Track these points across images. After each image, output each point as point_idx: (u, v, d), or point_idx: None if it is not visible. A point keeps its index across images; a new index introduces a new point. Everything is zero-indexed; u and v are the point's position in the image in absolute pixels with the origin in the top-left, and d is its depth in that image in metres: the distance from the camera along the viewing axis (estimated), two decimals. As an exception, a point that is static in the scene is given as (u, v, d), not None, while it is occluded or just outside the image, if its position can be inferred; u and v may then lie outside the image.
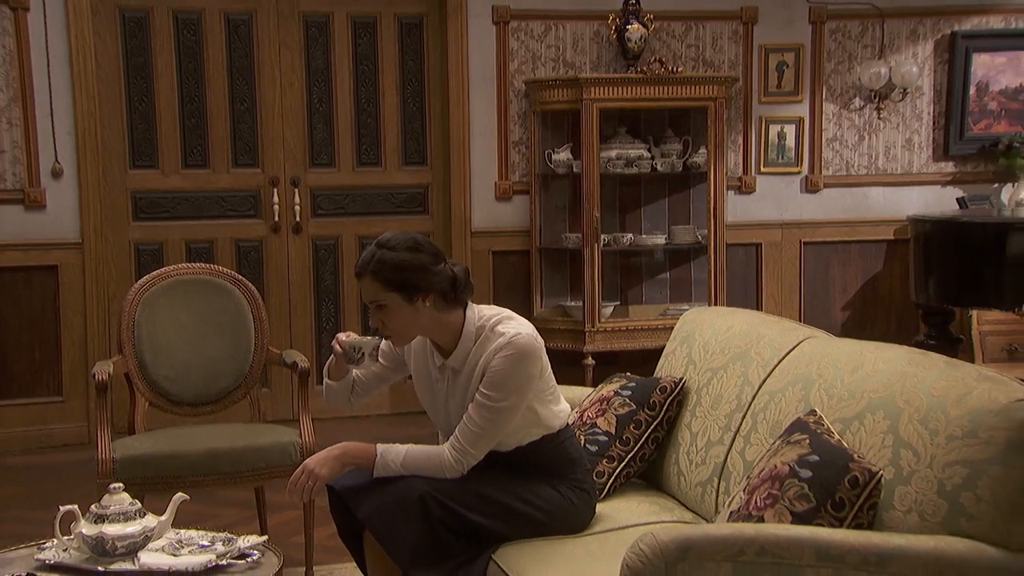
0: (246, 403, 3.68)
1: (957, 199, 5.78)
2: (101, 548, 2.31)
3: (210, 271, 3.70)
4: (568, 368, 5.31)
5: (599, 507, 2.65)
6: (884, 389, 2.14)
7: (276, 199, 5.37)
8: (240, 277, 3.70)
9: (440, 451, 2.46)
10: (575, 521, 2.57)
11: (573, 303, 5.47)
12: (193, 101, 5.27)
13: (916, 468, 1.98)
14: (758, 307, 5.71)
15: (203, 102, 5.28)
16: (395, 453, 2.45)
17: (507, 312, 2.58)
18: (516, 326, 2.51)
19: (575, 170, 5.34)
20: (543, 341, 2.57)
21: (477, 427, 2.44)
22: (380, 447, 2.46)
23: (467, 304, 2.54)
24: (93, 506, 2.39)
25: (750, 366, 2.63)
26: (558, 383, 2.70)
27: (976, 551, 1.86)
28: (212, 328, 3.58)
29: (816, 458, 2.04)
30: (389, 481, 2.42)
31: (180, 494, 2.47)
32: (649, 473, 2.85)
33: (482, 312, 2.55)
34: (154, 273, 3.64)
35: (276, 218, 5.38)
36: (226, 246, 5.36)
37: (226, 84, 5.29)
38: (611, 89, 5.23)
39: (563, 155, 5.37)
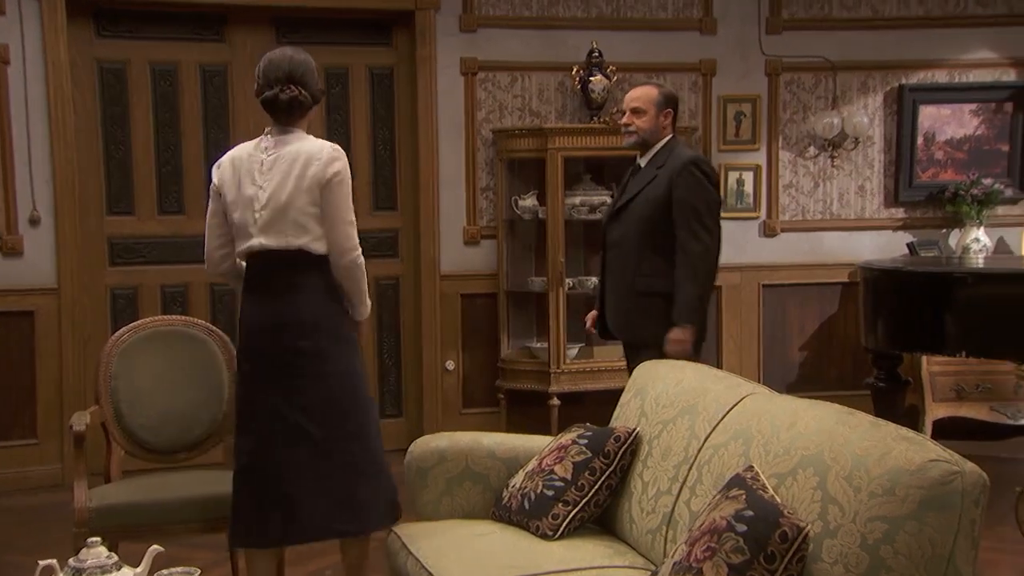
0: (221, 448, 3.80)
1: (907, 244, 6.00)
2: (80, 600, 2.42)
3: (184, 322, 3.82)
4: (534, 408, 5.48)
5: (556, 546, 2.79)
6: (815, 447, 2.30)
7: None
8: (214, 328, 3.82)
9: (340, 268, 3.12)
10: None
11: (539, 345, 5.62)
12: (169, 149, 5.41)
13: (842, 523, 2.14)
14: (718, 348, 5.90)
15: (179, 150, 5.43)
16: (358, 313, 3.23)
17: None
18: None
19: (540, 216, 5.52)
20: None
21: (341, 215, 3.10)
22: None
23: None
24: (71, 560, 2.49)
25: (697, 420, 2.79)
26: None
27: (893, 601, 2.02)
28: (187, 378, 3.69)
29: (751, 513, 2.20)
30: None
31: (155, 546, 2.58)
32: (604, 519, 2.99)
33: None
34: (131, 325, 3.75)
35: (249, 262, 5.51)
36: (200, 290, 5.49)
37: (201, 133, 5.45)
38: (575, 139, 5.42)
39: (529, 201, 5.55)
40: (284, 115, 3.11)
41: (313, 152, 3.07)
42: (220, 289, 5.51)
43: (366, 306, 3.24)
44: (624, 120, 3.94)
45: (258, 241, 3.07)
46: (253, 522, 3.10)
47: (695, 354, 3.76)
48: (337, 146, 3.12)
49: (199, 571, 2.49)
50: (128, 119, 5.34)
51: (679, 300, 3.71)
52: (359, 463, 3.13)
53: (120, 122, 5.33)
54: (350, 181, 3.12)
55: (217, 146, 5.45)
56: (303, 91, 3.09)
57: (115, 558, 2.49)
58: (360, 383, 3.19)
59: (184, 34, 5.38)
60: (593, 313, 4.16)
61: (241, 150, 3.16)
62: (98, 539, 2.52)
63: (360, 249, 3.13)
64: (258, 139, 3.16)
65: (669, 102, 3.90)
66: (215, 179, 3.14)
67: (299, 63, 3.12)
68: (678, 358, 3.59)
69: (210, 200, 3.17)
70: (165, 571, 2.47)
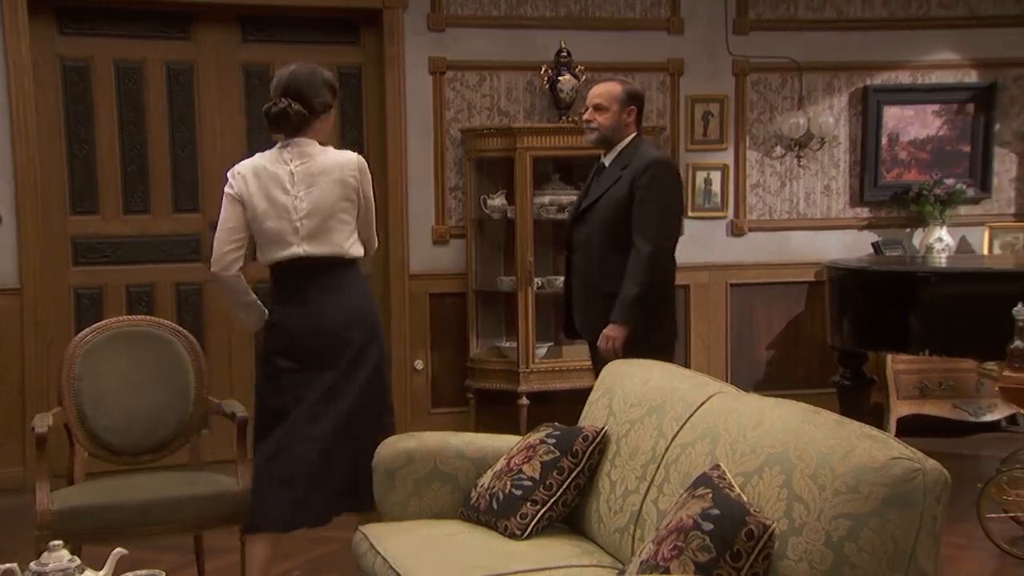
0: (186, 448, 3.77)
1: (872, 243, 6.07)
2: (41, 605, 2.38)
3: (150, 322, 3.78)
4: (503, 408, 5.48)
5: (525, 546, 2.81)
6: (780, 445, 2.32)
7: (216, 243, 5.45)
8: (180, 328, 3.78)
9: (366, 257, 3.41)
10: None
11: (508, 344, 5.62)
12: (134, 148, 5.36)
13: (807, 520, 2.15)
14: (687, 347, 5.93)
15: (144, 149, 5.37)
16: None
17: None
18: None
19: (509, 215, 5.52)
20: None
21: (373, 217, 3.41)
22: None
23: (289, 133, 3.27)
24: (32, 564, 2.45)
25: (664, 419, 2.80)
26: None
27: (857, 597, 2.04)
28: (152, 379, 3.65)
29: (717, 512, 2.21)
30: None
31: (119, 549, 2.54)
32: (572, 518, 3.00)
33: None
34: (94, 325, 3.70)
35: (216, 262, 5.46)
36: (167, 290, 5.44)
37: (167, 131, 5.39)
38: (543, 138, 5.43)
39: (498, 201, 5.55)
40: (274, 126, 3.26)
41: (344, 163, 3.27)
42: (186, 289, 5.47)
43: (375, 240, 3.56)
44: (586, 116, 3.89)
45: (301, 248, 3.24)
46: (290, 504, 3.24)
47: (668, 354, 3.72)
48: (360, 155, 3.36)
49: (164, 574, 2.46)
50: (92, 117, 5.28)
51: (619, 298, 3.69)
52: (370, 447, 3.28)
53: (84, 120, 5.27)
54: None
55: (184, 145, 5.42)
56: (293, 104, 3.20)
57: (77, 561, 2.45)
58: (386, 372, 3.47)
59: (149, 32, 5.32)
60: None
61: (260, 160, 3.28)
62: (60, 542, 2.49)
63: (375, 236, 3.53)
64: (275, 151, 3.28)
65: (633, 99, 3.84)
66: (234, 187, 3.26)
67: (298, 76, 3.25)
68: (607, 356, 3.61)
69: (225, 204, 3.27)
70: (129, 574, 2.44)
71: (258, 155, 3.31)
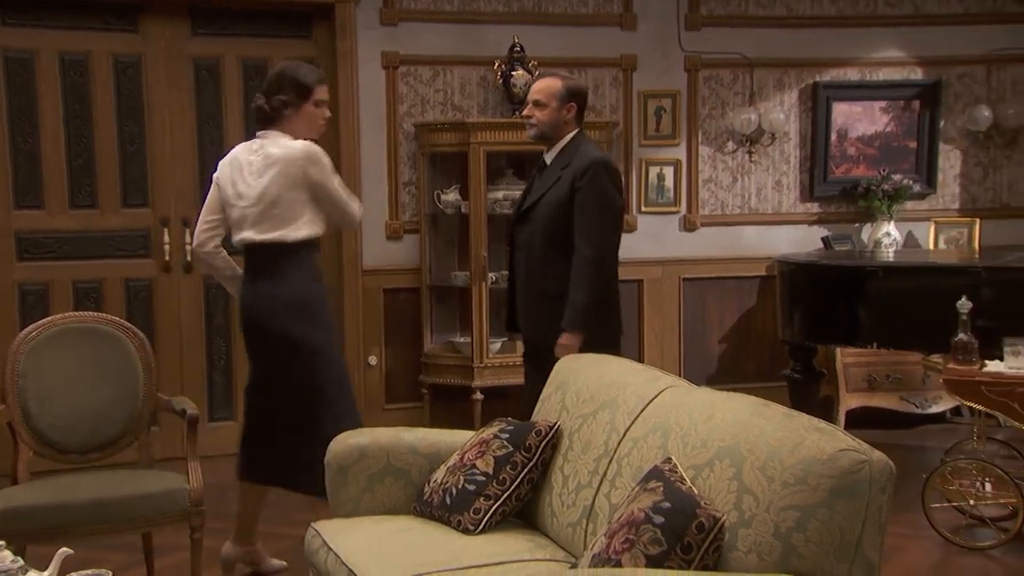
0: (135, 446, 3.72)
1: (822, 238, 6.15)
2: (-16, 607, 2.34)
3: (97, 319, 3.72)
4: (457, 403, 5.48)
5: (478, 540, 2.80)
6: (731, 438, 2.34)
7: (167, 239, 5.38)
8: (128, 324, 3.73)
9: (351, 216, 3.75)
10: None
11: (462, 339, 5.62)
12: (81, 142, 5.26)
13: (756, 512, 2.18)
14: (640, 341, 5.96)
15: (91, 142, 5.28)
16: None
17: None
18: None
19: (463, 210, 5.51)
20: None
21: (339, 197, 3.63)
22: None
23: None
24: (-25, 565, 2.41)
25: (617, 413, 2.81)
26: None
27: (805, 587, 2.07)
28: (100, 376, 3.60)
29: (668, 505, 2.23)
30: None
31: (64, 549, 2.50)
32: (525, 512, 3.00)
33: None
34: (40, 322, 3.64)
35: (167, 257, 5.40)
36: (115, 286, 5.35)
37: (115, 125, 5.30)
38: (497, 133, 5.42)
39: (451, 196, 5.53)
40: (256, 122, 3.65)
41: (289, 155, 3.50)
42: (135, 285, 5.39)
43: (352, 212, 3.74)
44: (525, 112, 3.85)
45: (248, 234, 3.56)
46: (245, 459, 3.73)
47: (615, 350, 3.71)
48: (308, 143, 3.55)
49: (111, 573, 2.43)
50: (36, 111, 5.17)
51: (568, 306, 3.64)
52: (313, 429, 3.52)
53: (28, 114, 5.16)
54: (328, 165, 3.57)
55: (132, 139, 5.34)
56: (259, 100, 3.58)
57: (20, 562, 2.42)
58: (324, 360, 3.61)
59: (95, 24, 5.22)
60: None
61: (237, 150, 3.64)
62: (3, 543, 2.45)
63: (353, 206, 3.70)
64: (251, 142, 3.63)
65: (573, 96, 3.78)
66: (217, 172, 3.65)
67: (271, 74, 3.65)
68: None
69: (212, 187, 3.66)
70: (75, 573, 2.41)
71: (242, 143, 3.69)
